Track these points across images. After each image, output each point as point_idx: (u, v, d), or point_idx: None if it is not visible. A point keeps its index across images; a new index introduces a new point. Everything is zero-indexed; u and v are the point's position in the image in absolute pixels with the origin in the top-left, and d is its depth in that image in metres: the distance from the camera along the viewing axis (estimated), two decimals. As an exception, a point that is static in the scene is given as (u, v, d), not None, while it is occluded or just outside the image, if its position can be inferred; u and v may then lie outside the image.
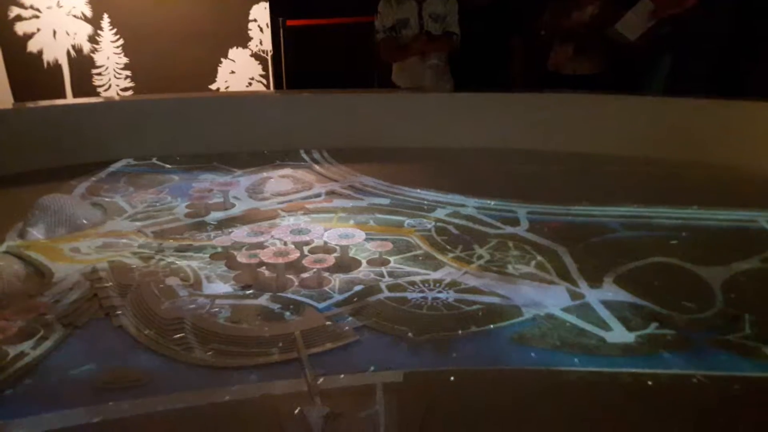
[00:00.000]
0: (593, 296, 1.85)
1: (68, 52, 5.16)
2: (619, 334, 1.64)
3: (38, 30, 5.04)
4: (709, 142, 3.38)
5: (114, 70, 5.29)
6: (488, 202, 2.72)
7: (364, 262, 2.10)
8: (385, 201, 2.77)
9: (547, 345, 1.60)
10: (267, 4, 5.48)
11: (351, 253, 2.13)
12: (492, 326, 1.68)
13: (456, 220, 2.51)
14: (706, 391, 1.42)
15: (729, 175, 3.17)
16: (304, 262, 1.98)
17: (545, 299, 1.83)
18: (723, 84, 3.86)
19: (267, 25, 5.52)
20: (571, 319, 1.72)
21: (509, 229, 2.42)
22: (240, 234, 2.18)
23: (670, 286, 1.94)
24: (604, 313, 1.75)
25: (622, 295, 1.86)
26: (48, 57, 5.11)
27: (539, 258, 2.13)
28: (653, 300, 1.82)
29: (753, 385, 1.44)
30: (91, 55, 5.22)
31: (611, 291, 1.89)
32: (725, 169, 3.23)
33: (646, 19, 3.69)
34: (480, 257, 2.15)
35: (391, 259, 2.12)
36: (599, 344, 1.60)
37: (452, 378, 1.47)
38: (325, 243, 2.15)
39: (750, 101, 3.56)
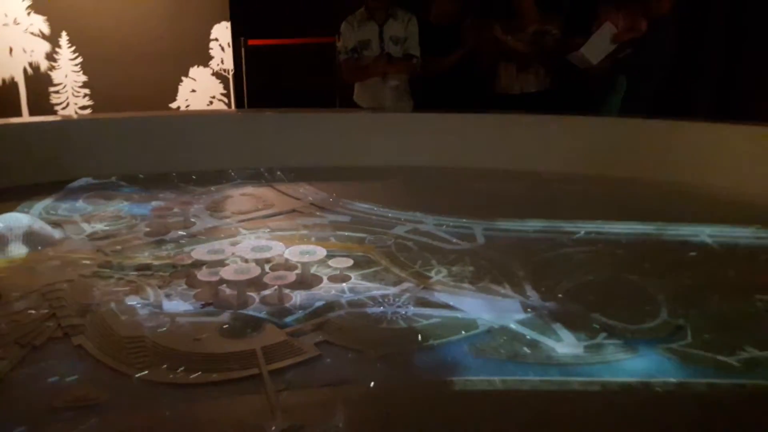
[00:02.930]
0: (545, 309, 1.92)
1: (25, 70, 5.09)
2: (569, 345, 1.71)
3: (-7, 47, 4.97)
4: (654, 160, 3.52)
5: (72, 89, 5.23)
6: (446, 219, 2.78)
7: (325, 278, 2.13)
8: (346, 218, 2.81)
9: (502, 356, 1.65)
10: (228, 24, 5.51)
11: (312, 270, 2.16)
12: (449, 339, 1.74)
13: (415, 237, 2.56)
14: (652, 397, 1.49)
15: (674, 191, 3.31)
16: (265, 279, 2.00)
17: (500, 312, 1.90)
18: (668, 104, 4.04)
19: (228, 44, 5.54)
20: (524, 330, 1.78)
21: (466, 245, 2.49)
22: (200, 252, 2.19)
23: (618, 298, 2.02)
24: (556, 325, 1.82)
25: (573, 308, 1.93)
26: (3, 74, 5.03)
27: (494, 272, 2.20)
28: (602, 311, 1.89)
29: (694, 389, 1.52)
30: (49, 72, 5.16)
31: (562, 303, 1.96)
32: (670, 186, 3.36)
33: (608, 43, 3.83)
34: (438, 272, 2.20)
35: (352, 275, 2.16)
36: (551, 354, 1.66)
37: (410, 390, 1.51)
38: (287, 260, 2.18)
39: (693, 122, 3.74)
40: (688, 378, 1.56)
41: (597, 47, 3.84)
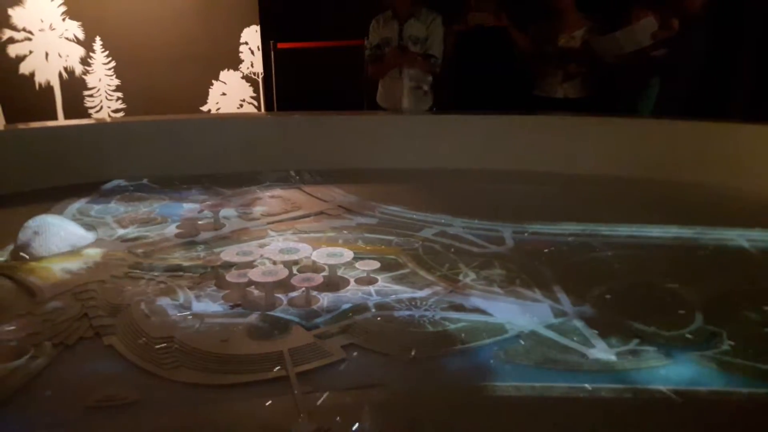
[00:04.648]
0: (576, 313, 1.89)
1: (60, 74, 5.21)
2: (601, 351, 1.68)
3: (30, 52, 5.09)
4: (690, 162, 3.45)
5: (106, 92, 5.33)
6: (474, 221, 2.76)
7: (352, 281, 2.13)
8: (373, 221, 2.80)
9: (531, 362, 1.63)
10: (258, 28, 5.56)
11: (339, 272, 2.16)
12: (477, 343, 1.71)
13: (442, 240, 2.55)
14: (686, 407, 1.45)
15: (710, 194, 3.23)
16: (292, 281, 2.00)
17: (529, 317, 1.87)
18: (701, 105, 3.94)
19: (258, 47, 5.59)
20: (554, 336, 1.75)
21: (494, 248, 2.46)
22: (229, 253, 2.20)
23: (651, 304, 1.98)
24: (587, 330, 1.78)
25: (604, 313, 1.90)
26: (40, 79, 5.15)
27: (523, 276, 2.17)
28: (634, 317, 1.85)
29: (730, 398, 1.48)
30: (83, 76, 5.27)
31: (594, 308, 1.93)
32: (705, 189, 3.29)
33: (645, 37, 3.74)
34: (466, 275, 2.18)
35: (379, 277, 2.15)
36: (582, 361, 1.63)
37: (438, 395, 1.49)
38: (314, 262, 2.18)
39: (729, 123, 3.65)
40: (724, 386, 1.52)
41: (633, 37, 3.76)
